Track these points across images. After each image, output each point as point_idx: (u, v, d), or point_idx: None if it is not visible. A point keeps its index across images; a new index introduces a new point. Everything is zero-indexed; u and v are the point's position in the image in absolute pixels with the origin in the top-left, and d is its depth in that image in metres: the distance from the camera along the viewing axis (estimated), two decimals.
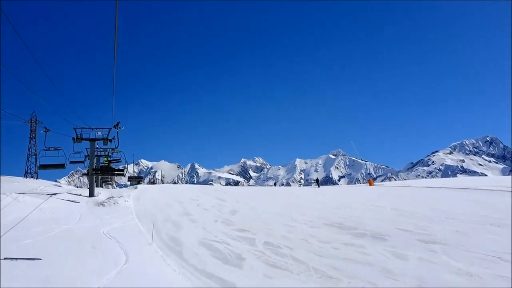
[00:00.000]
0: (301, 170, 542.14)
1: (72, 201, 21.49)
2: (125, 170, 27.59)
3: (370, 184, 31.20)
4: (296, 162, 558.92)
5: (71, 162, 26.93)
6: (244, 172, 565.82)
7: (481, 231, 10.44)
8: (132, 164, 62.37)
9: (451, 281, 6.98)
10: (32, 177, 47.98)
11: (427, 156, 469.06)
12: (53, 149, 24.10)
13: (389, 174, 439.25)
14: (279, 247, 10.51)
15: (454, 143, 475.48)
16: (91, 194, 23.13)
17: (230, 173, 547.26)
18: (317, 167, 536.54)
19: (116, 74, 12.52)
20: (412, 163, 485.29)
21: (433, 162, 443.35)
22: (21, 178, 36.29)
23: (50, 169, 24.53)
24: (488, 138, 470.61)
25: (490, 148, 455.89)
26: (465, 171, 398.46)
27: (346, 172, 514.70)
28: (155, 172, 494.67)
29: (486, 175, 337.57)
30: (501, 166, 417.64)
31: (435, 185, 23.84)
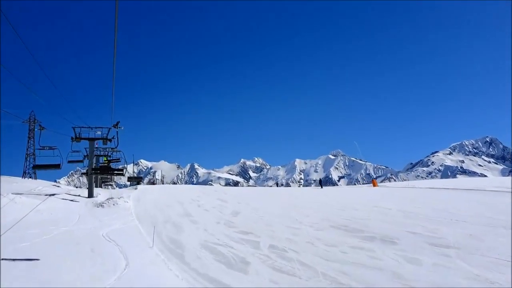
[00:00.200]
0: (300, 171, 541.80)
1: (71, 200, 21.14)
2: (124, 170, 27.24)
3: (374, 185, 30.79)
4: (295, 163, 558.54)
5: (70, 162, 26.56)
6: (243, 173, 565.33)
7: (492, 234, 10.10)
8: (132, 164, 61.98)
9: None
10: (30, 177, 47.54)
11: (427, 156, 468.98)
12: (48, 148, 23.66)
13: (388, 175, 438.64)
14: (284, 250, 10.15)
15: (454, 144, 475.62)
16: (90, 195, 22.75)
17: (229, 174, 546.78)
18: (317, 168, 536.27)
19: (116, 74, 12.31)
20: (411, 163, 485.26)
21: (432, 162, 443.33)
22: (19, 178, 35.89)
23: (45, 169, 24.13)
24: (487, 139, 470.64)
25: (490, 149, 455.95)
26: (464, 172, 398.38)
27: (345, 173, 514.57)
28: (154, 172, 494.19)
29: (485, 175, 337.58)
30: (500, 166, 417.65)
31: (439, 186, 23.50)
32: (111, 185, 50.65)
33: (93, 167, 24.93)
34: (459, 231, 10.35)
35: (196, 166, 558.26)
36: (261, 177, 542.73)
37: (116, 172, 27.38)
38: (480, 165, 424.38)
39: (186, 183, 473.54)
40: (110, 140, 24.76)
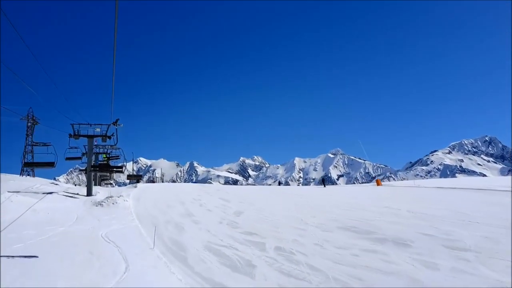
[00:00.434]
0: (300, 169, 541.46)
1: (71, 196, 20.67)
2: (124, 168, 26.77)
3: (378, 184, 30.29)
4: (295, 161, 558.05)
5: (67, 159, 26.04)
6: (243, 171, 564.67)
7: (508, 236, 9.62)
8: (131, 162, 61.46)
9: None
10: (28, 175, 46.96)
11: (426, 155, 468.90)
12: (42, 144, 23.07)
13: (388, 174, 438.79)
14: (292, 253, 9.69)
15: (453, 143, 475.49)
16: (89, 193, 22.25)
17: (229, 172, 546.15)
18: (316, 166, 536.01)
19: (115, 72, 12.12)
20: (411, 162, 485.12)
21: (432, 161, 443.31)
22: (17, 176, 35.31)
23: (37, 167, 23.59)
24: (487, 138, 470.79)
25: (489, 148, 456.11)
26: (463, 171, 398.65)
27: (345, 171, 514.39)
28: (154, 170, 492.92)
29: (485, 175, 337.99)
30: (499, 166, 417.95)
31: (446, 185, 23.04)
32: (110, 183, 50.13)
33: (92, 164, 24.43)
34: (475, 233, 9.89)
35: (196, 164, 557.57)
36: (260, 175, 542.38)
37: (115, 169, 26.94)
38: (479, 164, 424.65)
39: (185, 181, 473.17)
40: (109, 138, 24.25)
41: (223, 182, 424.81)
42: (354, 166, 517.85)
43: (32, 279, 7.12)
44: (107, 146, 34.70)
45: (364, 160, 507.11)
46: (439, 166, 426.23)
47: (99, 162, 35.54)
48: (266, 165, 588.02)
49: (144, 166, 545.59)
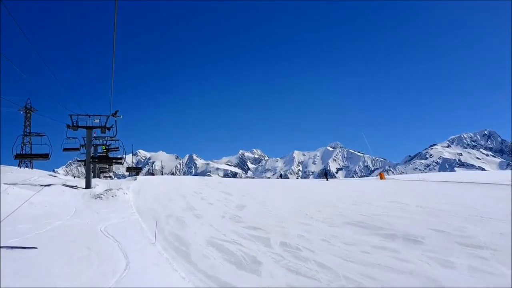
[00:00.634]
0: (299, 162, 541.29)
1: (69, 187, 20.27)
2: (123, 159, 26.33)
3: (381, 178, 29.88)
4: (294, 154, 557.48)
5: (65, 150, 25.51)
6: (242, 164, 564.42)
7: None
8: (131, 154, 61.03)
9: None
10: (26, 167, 46.53)
11: (425, 149, 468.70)
12: (35, 134, 22.29)
13: (386, 167, 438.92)
14: (298, 249, 9.33)
15: (452, 137, 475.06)
16: (88, 186, 21.83)
17: (228, 165, 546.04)
18: (315, 160, 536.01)
19: (115, 65, 12.03)
20: (410, 156, 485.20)
21: (430, 155, 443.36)
22: (15, 168, 34.83)
23: (30, 159, 22.90)
24: (486, 132, 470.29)
25: (488, 142, 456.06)
26: (462, 165, 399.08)
27: (344, 165, 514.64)
28: (153, 162, 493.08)
29: (483, 168, 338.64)
30: (498, 159, 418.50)
31: (451, 179, 22.66)
32: (110, 176, 49.75)
33: (91, 156, 23.98)
34: (488, 230, 9.53)
35: (195, 157, 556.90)
36: (260, 168, 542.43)
37: (114, 160, 26.54)
38: (478, 158, 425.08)
39: (184, 174, 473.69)
40: (108, 129, 23.75)
41: (222, 175, 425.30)
42: (353, 160, 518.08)
43: (28, 278, 6.72)
44: (106, 138, 34.26)
45: (363, 154, 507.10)
46: (438, 160, 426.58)
47: (98, 154, 35.13)
48: (265, 158, 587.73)
49: (143, 158, 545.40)
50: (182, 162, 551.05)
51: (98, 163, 33.59)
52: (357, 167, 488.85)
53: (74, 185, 22.02)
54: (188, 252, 9.45)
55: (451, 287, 6.41)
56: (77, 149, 26.98)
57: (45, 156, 22.62)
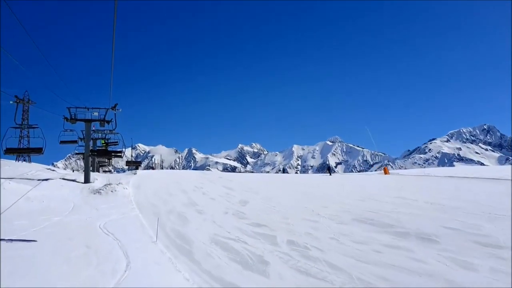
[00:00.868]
0: (298, 157, 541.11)
1: (69, 181, 19.83)
2: (122, 153, 25.85)
3: (385, 173, 29.44)
4: (293, 148, 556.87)
5: (62, 142, 24.96)
6: (241, 158, 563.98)
7: None
8: (130, 148, 60.51)
9: None
10: (24, 161, 46.01)
11: (424, 143, 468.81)
12: (27, 127, 21.07)
13: (386, 162, 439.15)
14: (306, 248, 8.93)
15: (451, 131, 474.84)
16: (87, 180, 21.38)
17: (227, 159, 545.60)
18: (314, 154, 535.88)
19: (115, 58, 11.72)
20: (409, 150, 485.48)
21: (430, 149, 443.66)
22: (13, 162, 34.34)
23: (22, 154, 21.59)
24: (485, 127, 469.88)
25: (487, 137, 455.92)
26: (461, 159, 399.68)
27: (343, 159, 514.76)
28: (152, 156, 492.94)
29: (482, 163, 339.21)
30: (497, 154, 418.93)
31: (458, 174, 22.24)
32: (109, 170, 49.31)
33: (90, 149, 23.50)
34: (505, 228, 9.13)
35: (194, 151, 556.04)
36: (259, 162, 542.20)
37: (114, 154, 26.08)
38: (477, 152, 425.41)
39: (183, 167, 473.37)
40: (108, 122, 23.24)
41: (221, 169, 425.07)
42: (352, 154, 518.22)
43: (24, 278, 6.32)
44: (105, 131, 33.76)
45: (363, 148, 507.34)
46: (437, 155, 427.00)
47: (97, 148, 34.66)
48: (265, 152, 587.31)
49: (143, 152, 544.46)
50: (181, 156, 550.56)
51: (98, 156, 33.14)
52: (356, 161, 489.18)
53: (73, 179, 21.58)
54: (191, 250, 9.05)
55: None
56: (75, 141, 26.43)
57: (38, 150, 21.44)
